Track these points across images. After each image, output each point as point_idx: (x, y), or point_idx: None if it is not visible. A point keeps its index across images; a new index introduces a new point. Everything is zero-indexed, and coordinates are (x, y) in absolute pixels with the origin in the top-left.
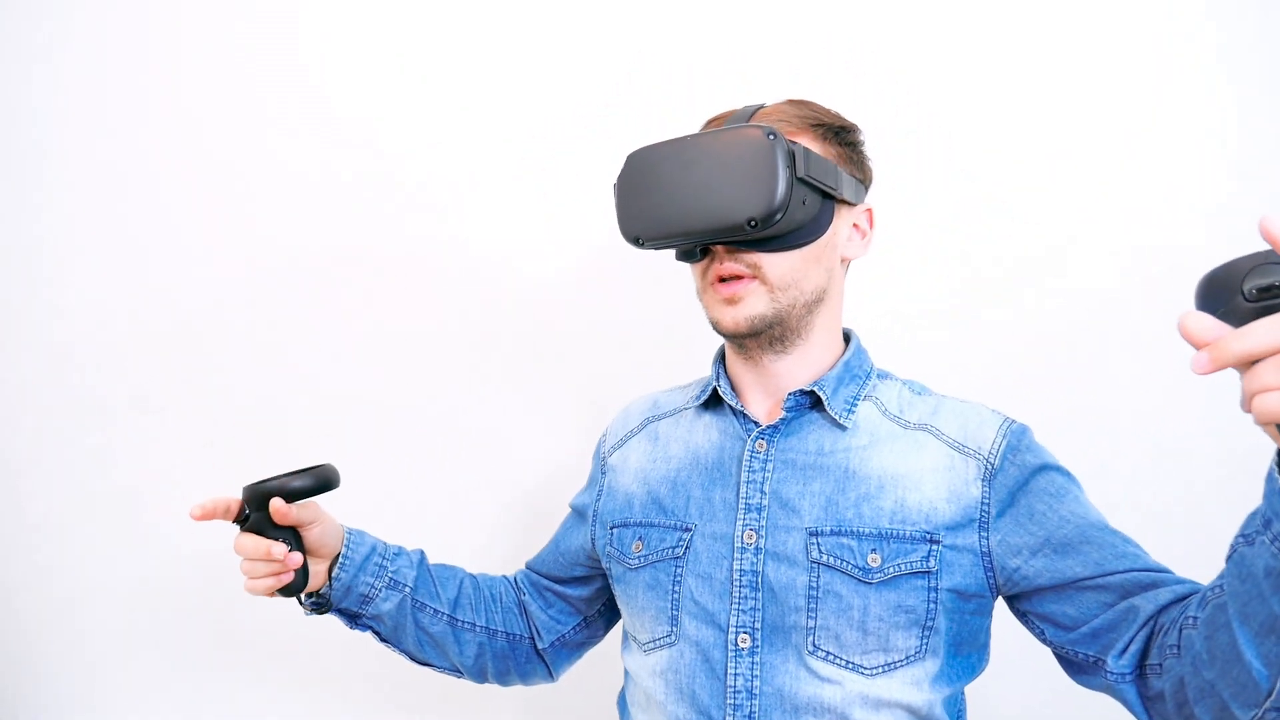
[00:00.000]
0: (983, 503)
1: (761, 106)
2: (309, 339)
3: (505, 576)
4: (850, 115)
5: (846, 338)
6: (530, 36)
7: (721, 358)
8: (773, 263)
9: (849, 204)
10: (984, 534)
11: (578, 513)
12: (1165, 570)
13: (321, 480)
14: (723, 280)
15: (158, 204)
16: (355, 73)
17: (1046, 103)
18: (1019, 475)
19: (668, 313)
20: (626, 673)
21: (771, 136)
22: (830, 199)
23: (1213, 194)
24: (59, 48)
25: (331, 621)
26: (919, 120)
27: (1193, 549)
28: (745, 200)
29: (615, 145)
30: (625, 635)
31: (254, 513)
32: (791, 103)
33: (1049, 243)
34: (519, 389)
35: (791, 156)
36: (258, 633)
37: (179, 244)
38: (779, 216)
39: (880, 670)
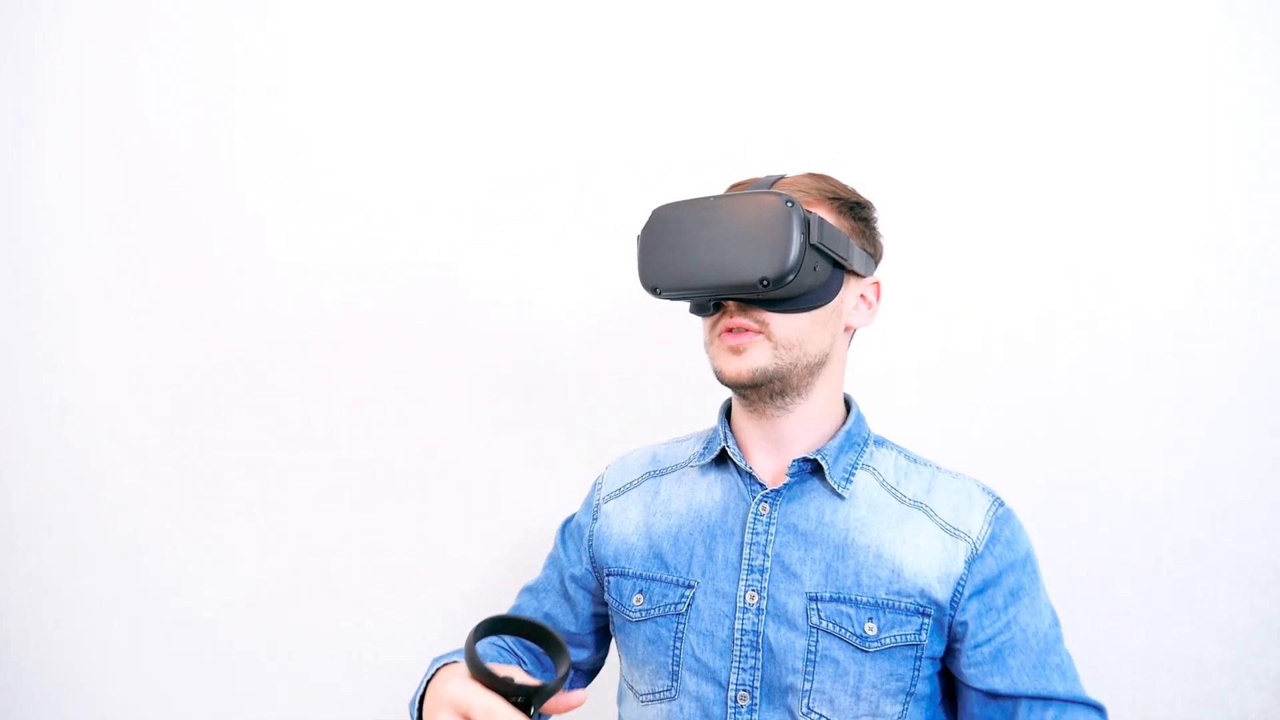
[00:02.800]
0: (960, 581)
1: (783, 177)
2: (307, 390)
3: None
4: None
5: (847, 404)
6: (538, 76)
7: (727, 413)
8: (780, 322)
9: (858, 275)
10: (954, 608)
11: (570, 555)
12: (1069, 700)
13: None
14: (730, 330)
15: (155, 256)
16: (354, 111)
17: (1040, 169)
18: (995, 567)
19: (673, 365)
20: None
21: (790, 204)
22: (840, 268)
23: (1199, 272)
24: (53, 79)
25: (331, 677)
26: (919, 164)
27: (1178, 603)
28: (760, 260)
29: (623, 191)
30: (621, 686)
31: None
32: (811, 175)
33: (1037, 310)
34: (523, 438)
35: (807, 224)
36: (256, 686)
37: (176, 298)
38: (790, 278)
39: None
